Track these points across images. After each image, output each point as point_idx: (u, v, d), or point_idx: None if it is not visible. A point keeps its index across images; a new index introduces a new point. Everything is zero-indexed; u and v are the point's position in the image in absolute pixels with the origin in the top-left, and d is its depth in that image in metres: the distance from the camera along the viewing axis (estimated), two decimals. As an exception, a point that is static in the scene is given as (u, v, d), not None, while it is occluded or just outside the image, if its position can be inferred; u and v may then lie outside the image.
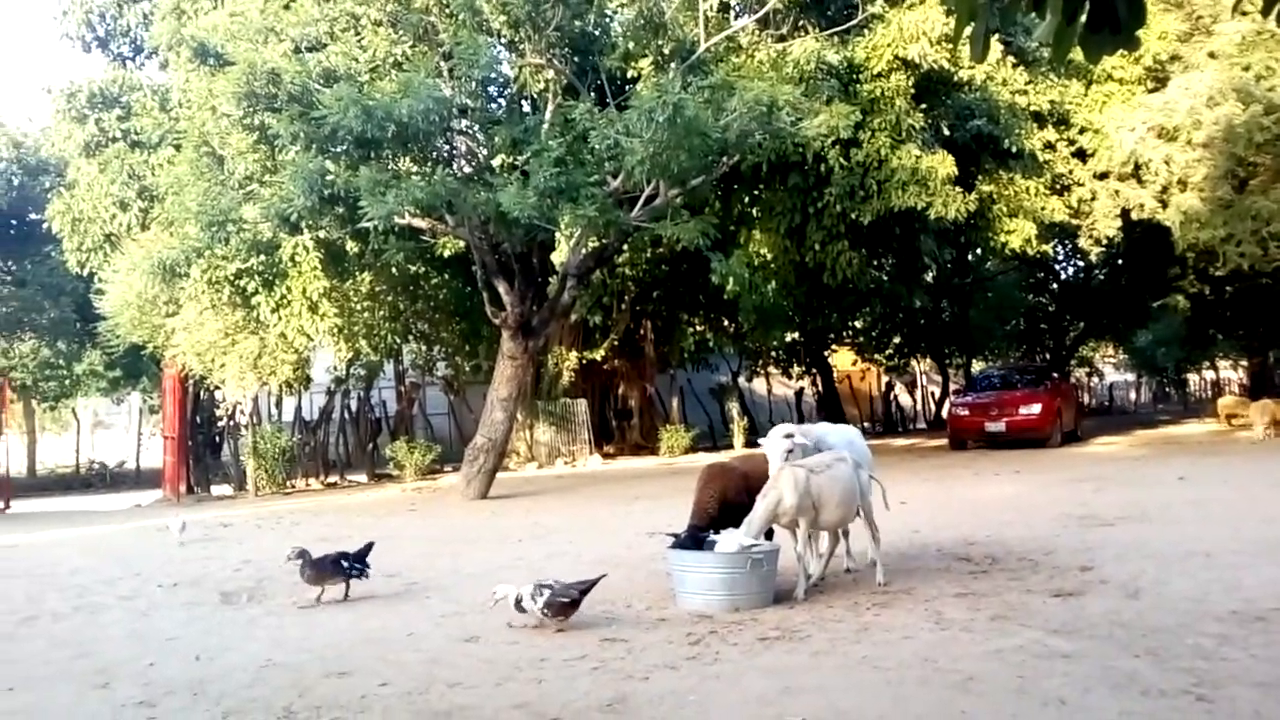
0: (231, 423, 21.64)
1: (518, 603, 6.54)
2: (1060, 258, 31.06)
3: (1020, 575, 7.73)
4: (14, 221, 25.44)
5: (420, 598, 7.96)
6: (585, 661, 5.77)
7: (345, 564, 7.79)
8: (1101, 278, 31.08)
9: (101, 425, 39.04)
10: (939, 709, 4.70)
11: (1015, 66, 17.04)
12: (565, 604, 6.52)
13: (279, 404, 22.55)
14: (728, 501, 7.46)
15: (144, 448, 29.22)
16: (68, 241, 19.46)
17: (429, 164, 15.07)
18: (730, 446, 25.38)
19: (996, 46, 15.85)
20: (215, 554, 11.05)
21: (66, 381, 28.71)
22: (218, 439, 22.58)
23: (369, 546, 8.15)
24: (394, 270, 17.75)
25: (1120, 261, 27.89)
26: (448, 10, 14.52)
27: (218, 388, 20.02)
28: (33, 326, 25.59)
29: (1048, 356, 35.87)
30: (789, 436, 7.34)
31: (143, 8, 19.79)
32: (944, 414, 30.64)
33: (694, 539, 7.21)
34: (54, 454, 33.28)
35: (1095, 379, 51.33)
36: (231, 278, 16.29)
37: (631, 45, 15.15)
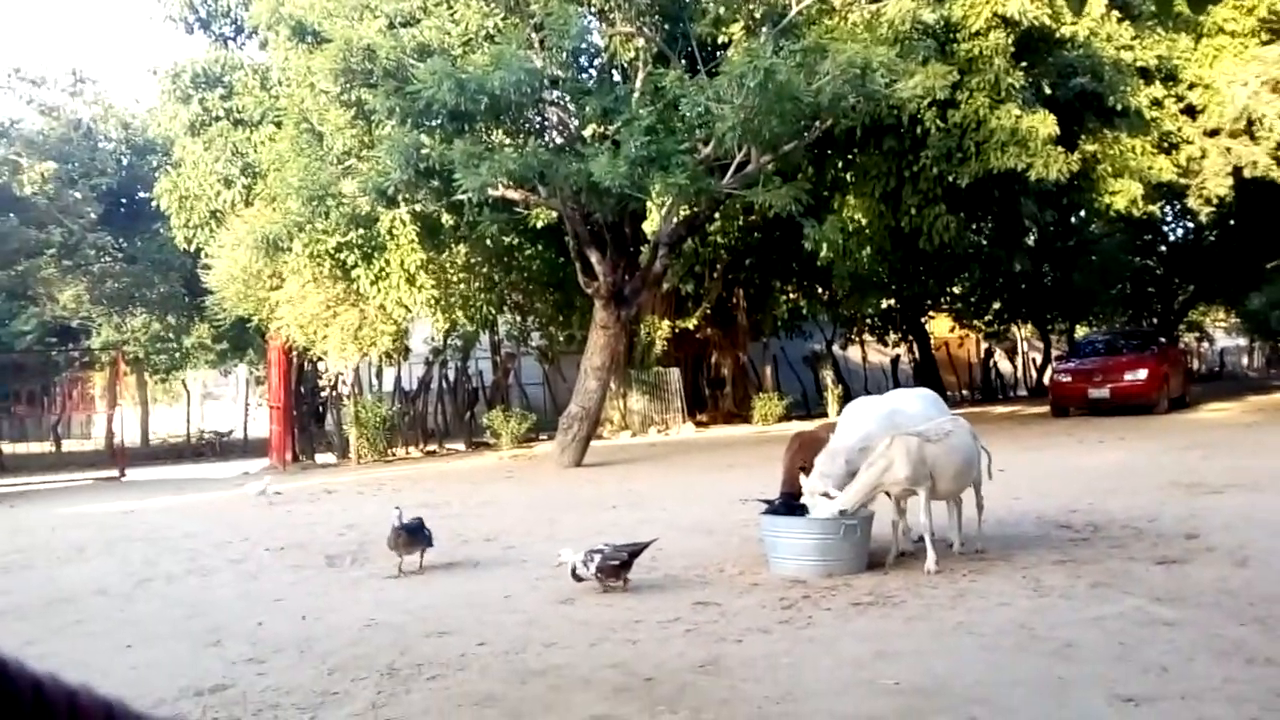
0: (334, 393, 22.20)
1: (573, 572, 6.67)
2: (1168, 218, 29.94)
3: (1123, 543, 7.56)
4: (124, 200, 26.33)
5: (517, 562, 8.11)
6: (678, 624, 5.83)
7: (425, 532, 7.75)
8: (1212, 239, 29.93)
9: (210, 396, 40.32)
10: (1036, 675, 4.65)
11: (1120, 21, 16.45)
12: (616, 566, 6.66)
13: (379, 374, 23.06)
14: (816, 469, 7.42)
15: (251, 418, 30.12)
16: (175, 218, 20.06)
17: (521, 135, 15.19)
18: (824, 415, 25.20)
19: (1100, 1, 15.32)
20: (320, 519, 11.38)
21: (176, 354, 29.66)
22: (321, 409, 23.16)
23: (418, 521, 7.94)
24: (488, 242, 17.97)
25: (1232, 222, 26.78)
26: (538, -19, 14.57)
27: (320, 359, 20.54)
28: (143, 301, 26.50)
29: (1155, 321, 34.80)
30: (826, 494, 6.92)
31: (242, -12, 20.24)
32: (1046, 381, 29.98)
33: (787, 505, 7.20)
34: (166, 424, 34.53)
35: (1205, 344, 49.66)
36: (332, 251, 16.72)
37: (722, 10, 15.02)
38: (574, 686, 4.80)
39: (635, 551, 6.80)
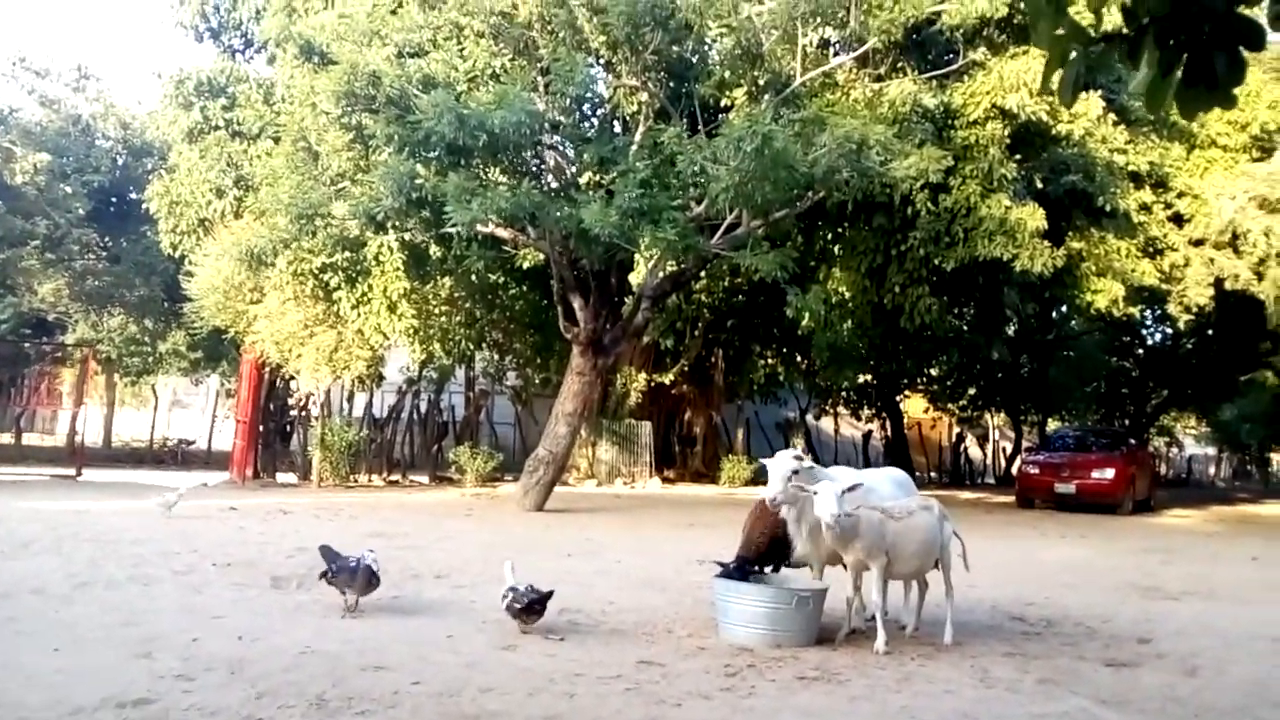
0: (303, 413, 22.03)
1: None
2: (1148, 322, 30.37)
3: (1074, 641, 7.52)
4: (114, 199, 26.18)
5: (465, 601, 7.99)
6: (619, 681, 5.74)
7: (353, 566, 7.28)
8: (1189, 346, 30.31)
9: (179, 404, 39.89)
10: (973, 767, 4.59)
11: (1116, 124, 16.71)
12: (518, 609, 6.75)
13: (350, 399, 22.91)
14: (777, 538, 7.35)
15: (217, 430, 29.82)
16: (163, 223, 19.97)
17: (516, 175, 15.24)
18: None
19: (1097, 103, 15.57)
20: (272, 539, 11.21)
21: (150, 358, 29.32)
22: (288, 427, 22.96)
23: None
24: (474, 278, 17.95)
25: (1210, 331, 27.11)
26: (549, 27, 14.70)
27: (293, 378, 20.39)
28: (122, 302, 26.25)
29: (1126, 422, 35.06)
30: (798, 459, 7.11)
31: (256, 3, 20.32)
32: (1014, 471, 30.10)
33: (741, 570, 7.14)
34: (131, 428, 34.11)
35: (1174, 449, 50.02)
36: (316, 271, 16.70)
37: (727, 74, 15.18)
38: (505, 735, 4.70)
39: (537, 599, 6.79)
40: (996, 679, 6.21)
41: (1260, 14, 3.23)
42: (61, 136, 24.51)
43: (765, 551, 7.35)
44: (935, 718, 5.31)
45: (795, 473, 6.86)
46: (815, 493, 6.59)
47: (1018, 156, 15.87)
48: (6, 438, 26.14)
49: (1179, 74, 3.19)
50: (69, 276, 25.14)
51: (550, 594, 6.96)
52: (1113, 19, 3.45)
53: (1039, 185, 16.35)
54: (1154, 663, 6.89)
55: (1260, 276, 18.56)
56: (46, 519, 11.96)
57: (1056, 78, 3.41)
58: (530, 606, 6.78)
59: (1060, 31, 3.29)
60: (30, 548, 9.66)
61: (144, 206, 20.79)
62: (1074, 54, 3.33)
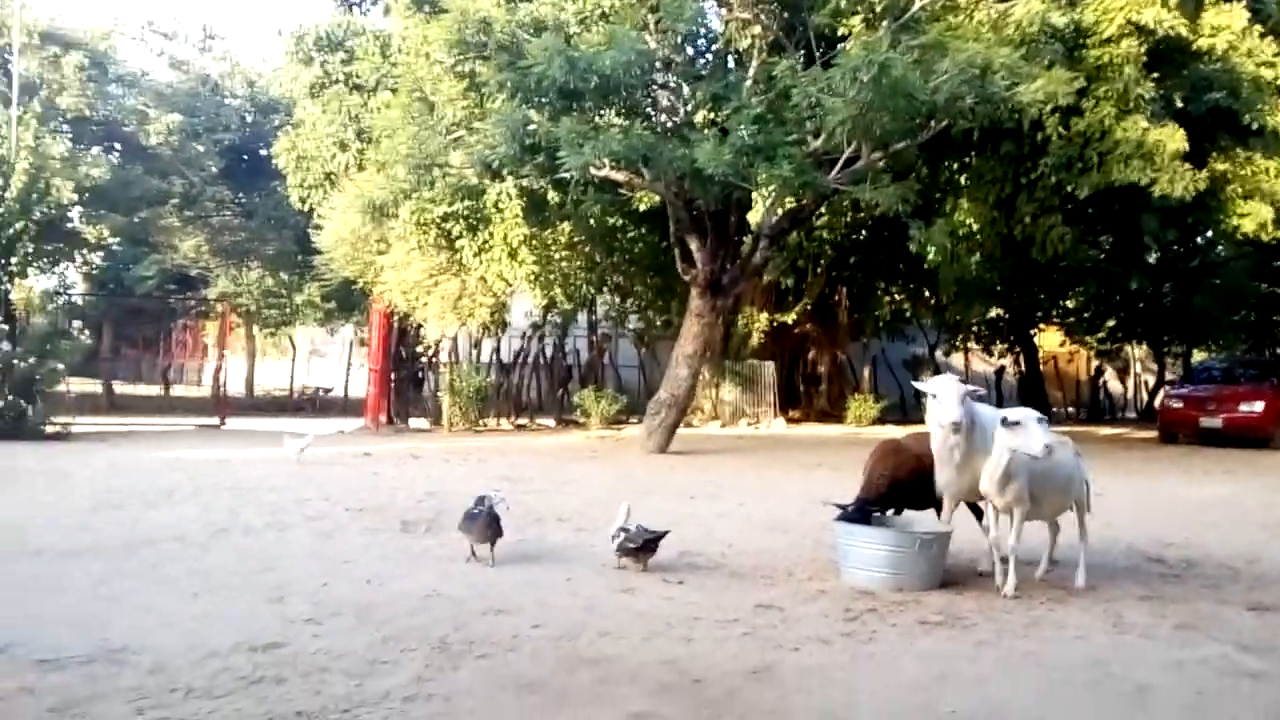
0: (433, 359, 22.53)
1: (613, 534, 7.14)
2: (1301, 246, 28.59)
3: (1216, 583, 7.20)
4: (245, 156, 27.02)
5: (586, 544, 8.05)
6: (737, 625, 5.71)
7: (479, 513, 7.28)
8: (1348, 272, 28.51)
9: (317, 354, 41.22)
10: (1102, 718, 4.42)
11: (1263, 36, 15.60)
12: (631, 549, 6.95)
13: (477, 345, 23.31)
14: (899, 481, 7.18)
15: (352, 378, 30.73)
16: (291, 177, 20.52)
17: (629, 117, 15.10)
18: (921, 421, 24.69)
19: (1242, 14, 14.56)
20: (403, 484, 11.52)
21: (286, 310, 30.30)
22: (419, 374, 23.52)
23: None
24: (592, 222, 17.97)
25: (1371, 255, 25.44)
26: (658, -38, 14.45)
27: (420, 326, 20.84)
28: (258, 256, 27.16)
29: (1278, 352, 33.28)
30: (965, 382, 6.85)
31: (371, -45, 20.57)
32: (1156, 405, 28.95)
33: (861, 512, 7.01)
34: (272, 377, 35.43)
35: (1332, 380, 47.37)
36: (438, 220, 16.92)
37: (843, 2, 14.69)
38: (621, 680, 4.72)
39: (652, 538, 6.98)
40: (1131, 624, 5.97)
41: None
42: (191, 97, 25.36)
43: (885, 494, 7.20)
44: (1064, 665, 5.13)
45: (968, 394, 6.68)
46: (1018, 422, 6.34)
47: (1155, 75, 14.92)
48: (156, 390, 27.38)
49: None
50: (207, 233, 26.11)
51: (664, 534, 7.09)
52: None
53: (1179, 104, 15.37)
54: (1303, 607, 6.56)
55: None
56: (189, 468, 12.52)
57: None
58: (646, 545, 6.94)
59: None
60: (173, 496, 10.12)
61: (273, 162, 21.36)
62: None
